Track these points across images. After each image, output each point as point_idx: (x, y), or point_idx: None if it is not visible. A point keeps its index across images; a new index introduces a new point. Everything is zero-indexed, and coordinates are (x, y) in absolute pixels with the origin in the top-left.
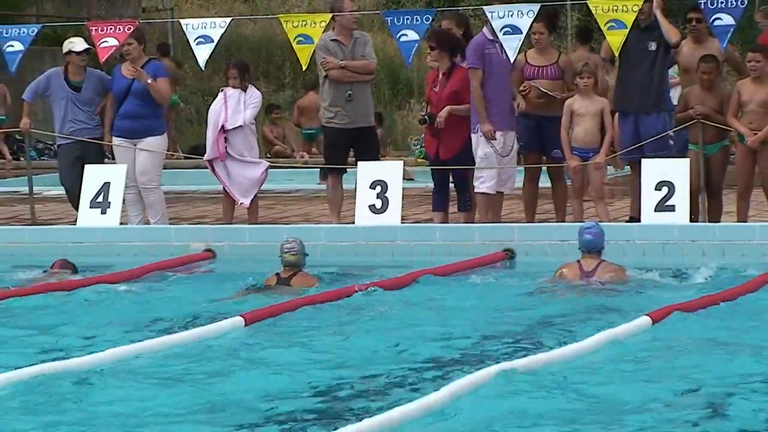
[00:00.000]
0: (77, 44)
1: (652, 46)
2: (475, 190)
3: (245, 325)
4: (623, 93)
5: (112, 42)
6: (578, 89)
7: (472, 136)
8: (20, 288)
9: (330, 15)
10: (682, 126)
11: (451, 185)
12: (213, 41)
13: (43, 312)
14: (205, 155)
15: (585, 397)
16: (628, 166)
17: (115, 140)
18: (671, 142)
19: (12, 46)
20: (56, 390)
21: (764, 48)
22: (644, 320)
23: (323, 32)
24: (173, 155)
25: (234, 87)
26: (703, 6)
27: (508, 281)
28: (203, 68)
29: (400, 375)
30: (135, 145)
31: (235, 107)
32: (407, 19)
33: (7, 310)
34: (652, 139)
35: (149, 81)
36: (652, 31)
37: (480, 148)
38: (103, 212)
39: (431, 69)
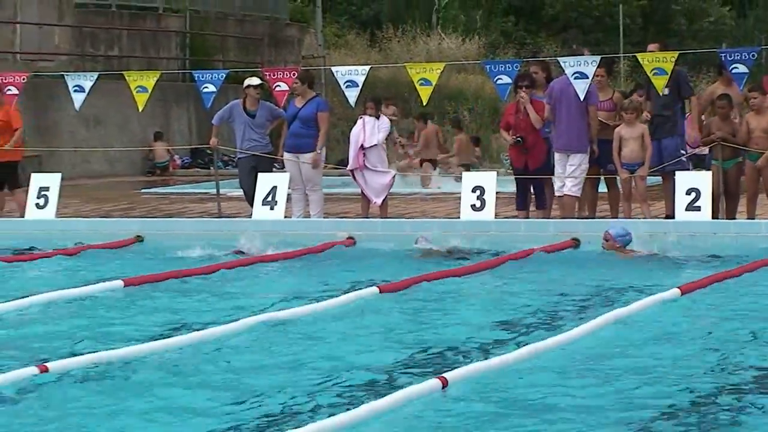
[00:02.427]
0: (254, 81)
1: (666, 91)
2: (568, 193)
3: (380, 293)
4: (657, 123)
5: (284, 87)
6: (624, 120)
7: (578, 155)
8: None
9: (443, 64)
10: (707, 147)
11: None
12: (358, 85)
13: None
14: (348, 166)
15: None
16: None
17: (286, 155)
18: (684, 159)
19: (207, 87)
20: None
21: (759, 87)
22: (673, 292)
23: None
24: (326, 166)
25: (370, 115)
26: (724, 58)
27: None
28: (353, 106)
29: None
30: (298, 159)
31: (371, 131)
32: (502, 66)
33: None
34: (672, 161)
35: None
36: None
37: (584, 161)
38: (272, 208)
39: (511, 102)
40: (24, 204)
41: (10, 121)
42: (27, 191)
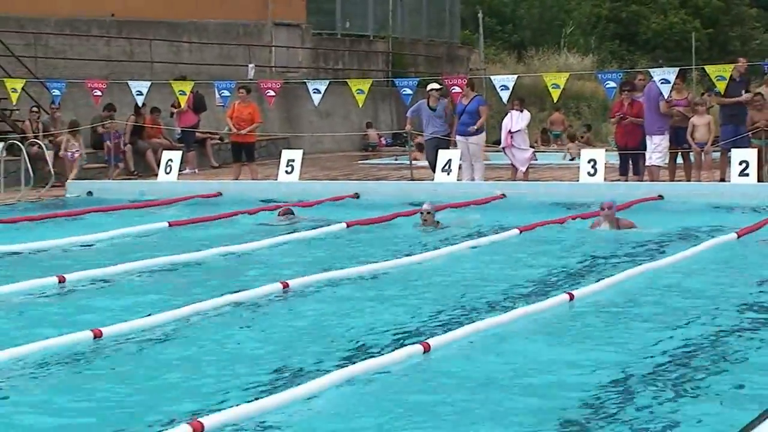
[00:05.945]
0: (435, 86)
1: (739, 90)
2: (654, 164)
3: (519, 233)
4: (724, 114)
5: (457, 89)
6: (697, 112)
7: (659, 137)
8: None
9: (568, 74)
10: (752, 131)
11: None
12: (509, 89)
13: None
14: (501, 145)
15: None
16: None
17: (457, 137)
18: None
19: (405, 90)
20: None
21: None
22: (732, 235)
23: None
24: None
25: (516, 110)
26: (766, 69)
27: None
28: (505, 103)
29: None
30: (467, 139)
31: (516, 120)
32: (609, 75)
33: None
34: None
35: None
36: (740, 83)
37: (664, 140)
38: (448, 174)
39: (617, 100)
40: (257, 172)
41: (253, 116)
42: (251, 164)
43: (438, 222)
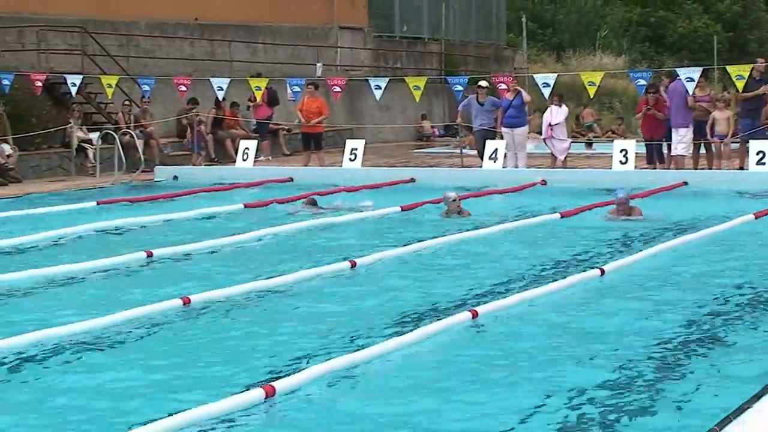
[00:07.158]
0: (483, 84)
1: (758, 87)
2: (679, 154)
3: (560, 218)
4: (744, 109)
5: (503, 86)
6: (718, 107)
7: (684, 129)
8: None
9: (603, 72)
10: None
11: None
12: (549, 86)
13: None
14: (542, 135)
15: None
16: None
17: (503, 129)
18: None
19: (456, 87)
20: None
21: None
22: (749, 216)
23: None
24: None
25: (555, 105)
26: None
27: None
28: (546, 99)
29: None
30: (513, 131)
31: (556, 114)
32: (639, 74)
33: None
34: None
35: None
36: (759, 81)
37: (689, 133)
38: (494, 162)
39: (642, 98)
40: (324, 159)
41: (321, 109)
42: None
43: (462, 210)
